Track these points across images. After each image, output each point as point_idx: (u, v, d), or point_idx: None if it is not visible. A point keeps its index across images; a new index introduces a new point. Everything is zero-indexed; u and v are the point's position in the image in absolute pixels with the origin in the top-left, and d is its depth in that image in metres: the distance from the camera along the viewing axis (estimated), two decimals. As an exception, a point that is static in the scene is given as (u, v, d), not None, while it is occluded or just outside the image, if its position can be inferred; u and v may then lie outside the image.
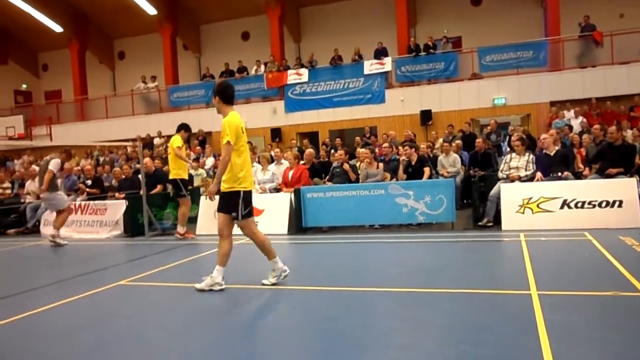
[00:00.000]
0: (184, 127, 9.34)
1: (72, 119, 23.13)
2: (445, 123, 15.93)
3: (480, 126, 16.93)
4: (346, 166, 9.90)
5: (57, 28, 23.29)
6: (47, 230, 11.07)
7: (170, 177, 9.32)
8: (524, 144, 8.87)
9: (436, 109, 17.11)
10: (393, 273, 5.69)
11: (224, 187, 5.05)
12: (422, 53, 17.83)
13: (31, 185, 12.55)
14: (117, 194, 11.14)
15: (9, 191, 13.89)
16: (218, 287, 5.05)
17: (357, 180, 9.75)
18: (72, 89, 24.48)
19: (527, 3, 19.25)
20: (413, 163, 9.64)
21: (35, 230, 11.54)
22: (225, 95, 5.19)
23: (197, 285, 5.09)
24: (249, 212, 5.12)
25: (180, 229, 9.23)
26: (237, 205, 5.00)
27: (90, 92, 24.36)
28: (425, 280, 5.16)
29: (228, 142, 4.91)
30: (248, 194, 5.11)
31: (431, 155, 11.15)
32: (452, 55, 17.83)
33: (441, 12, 20.17)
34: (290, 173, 9.94)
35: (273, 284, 5.13)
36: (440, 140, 13.37)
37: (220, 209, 5.12)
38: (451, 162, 10.70)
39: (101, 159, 17.76)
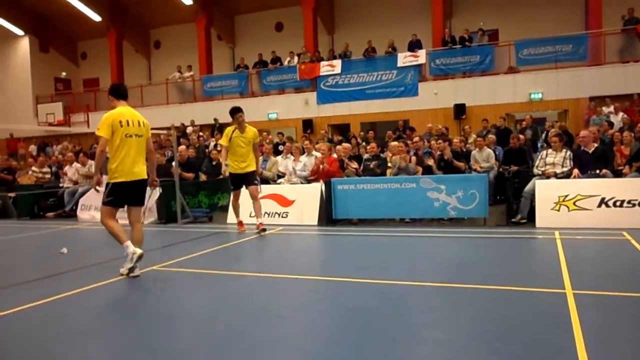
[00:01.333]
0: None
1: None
2: (479, 117, 15.67)
3: (515, 121, 16.60)
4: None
5: (96, 17, 23.84)
6: (83, 214, 11.42)
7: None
8: (561, 140, 8.69)
9: (470, 103, 16.87)
10: (424, 267, 5.66)
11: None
12: (457, 45, 17.56)
13: (70, 170, 12.92)
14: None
15: (48, 176, 14.35)
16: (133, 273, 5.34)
17: (382, 174, 9.70)
18: (109, 77, 25.02)
19: (567, -5, 18.73)
20: (446, 157, 9.53)
21: (72, 215, 11.88)
22: (115, 92, 5.75)
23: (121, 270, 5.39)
24: (111, 202, 5.40)
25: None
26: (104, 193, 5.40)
27: (127, 80, 24.83)
28: (457, 276, 5.10)
29: (100, 135, 5.34)
30: (117, 185, 5.36)
31: (464, 150, 11.01)
32: (488, 48, 17.52)
33: (478, 3, 19.79)
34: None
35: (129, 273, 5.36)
36: (474, 135, 13.18)
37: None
38: (485, 157, 10.53)
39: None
